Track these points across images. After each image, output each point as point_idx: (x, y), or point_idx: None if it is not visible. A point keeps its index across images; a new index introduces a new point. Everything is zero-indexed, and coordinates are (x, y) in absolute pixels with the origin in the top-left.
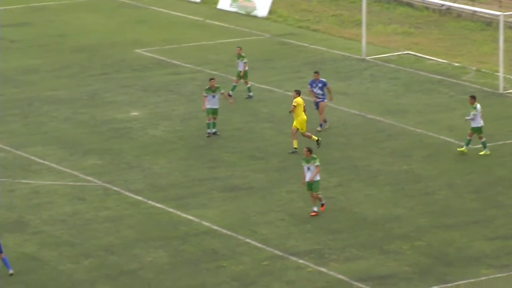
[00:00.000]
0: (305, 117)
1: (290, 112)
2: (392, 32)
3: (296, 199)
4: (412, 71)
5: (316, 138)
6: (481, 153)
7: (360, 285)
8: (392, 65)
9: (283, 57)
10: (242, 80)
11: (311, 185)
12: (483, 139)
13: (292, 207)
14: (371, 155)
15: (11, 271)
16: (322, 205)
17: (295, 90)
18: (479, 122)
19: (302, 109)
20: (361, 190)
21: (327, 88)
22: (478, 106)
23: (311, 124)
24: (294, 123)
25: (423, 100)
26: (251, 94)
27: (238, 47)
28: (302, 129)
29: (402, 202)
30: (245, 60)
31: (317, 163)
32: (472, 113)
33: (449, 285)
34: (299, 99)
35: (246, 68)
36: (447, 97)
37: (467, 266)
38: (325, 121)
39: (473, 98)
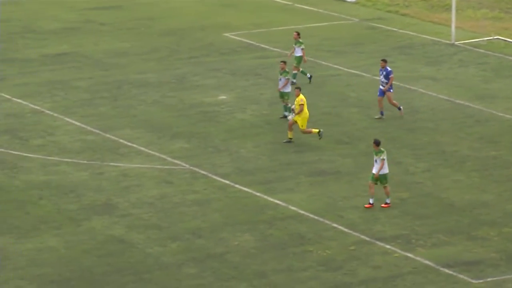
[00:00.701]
0: (307, 114)
1: (299, 112)
2: (482, 17)
3: None
4: (501, 56)
5: (317, 130)
6: None
7: (447, 271)
8: (482, 50)
9: (371, 42)
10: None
11: (377, 178)
12: None
13: (379, 192)
14: (459, 141)
15: None
16: (386, 203)
17: (296, 88)
18: None
19: (305, 105)
20: (448, 175)
21: (390, 78)
22: None
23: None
24: (295, 117)
25: None
26: (294, 80)
27: (295, 32)
28: (302, 126)
29: (490, 188)
30: (302, 46)
31: (383, 156)
32: None
33: None
34: (302, 96)
35: (298, 54)
36: None
37: None
38: (382, 112)
39: None
